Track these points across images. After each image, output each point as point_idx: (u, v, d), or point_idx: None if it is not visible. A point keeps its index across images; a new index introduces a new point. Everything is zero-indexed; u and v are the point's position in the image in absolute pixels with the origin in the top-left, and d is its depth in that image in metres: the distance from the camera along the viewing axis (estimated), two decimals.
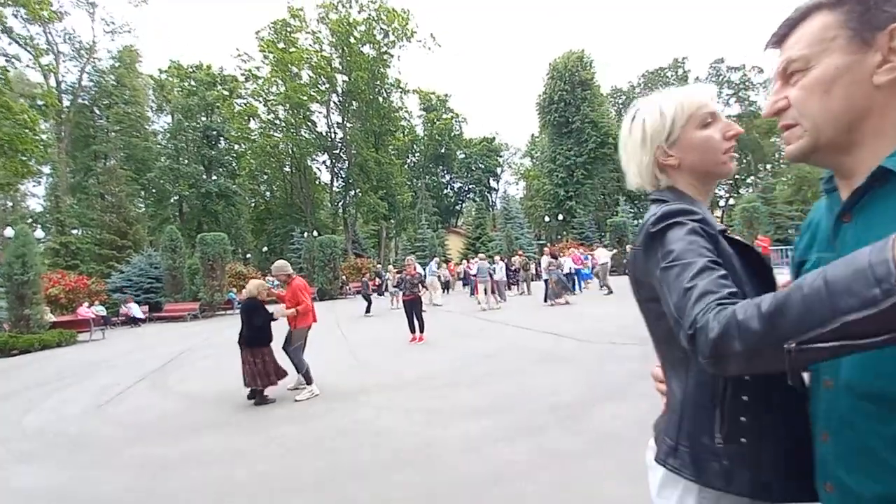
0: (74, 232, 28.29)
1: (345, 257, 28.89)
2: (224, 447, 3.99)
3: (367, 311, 14.39)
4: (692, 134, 0.92)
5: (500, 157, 53.60)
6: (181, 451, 3.98)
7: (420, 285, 9.08)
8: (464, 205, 55.59)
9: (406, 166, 42.72)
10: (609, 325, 8.49)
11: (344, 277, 25.44)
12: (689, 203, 0.88)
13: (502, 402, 4.55)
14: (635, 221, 31.72)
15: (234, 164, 36.55)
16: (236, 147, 35.55)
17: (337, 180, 37.46)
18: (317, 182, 39.38)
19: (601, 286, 15.18)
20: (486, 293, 13.73)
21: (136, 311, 18.07)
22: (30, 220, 32.61)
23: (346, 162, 35.12)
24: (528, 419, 4.01)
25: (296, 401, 5.16)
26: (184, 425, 4.70)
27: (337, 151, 35.82)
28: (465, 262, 23.39)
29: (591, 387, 4.77)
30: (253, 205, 39.18)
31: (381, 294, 19.52)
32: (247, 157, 36.09)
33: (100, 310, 16.42)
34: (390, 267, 17.20)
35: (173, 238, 20.65)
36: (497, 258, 15.01)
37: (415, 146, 45.45)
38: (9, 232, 15.72)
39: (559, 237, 34.38)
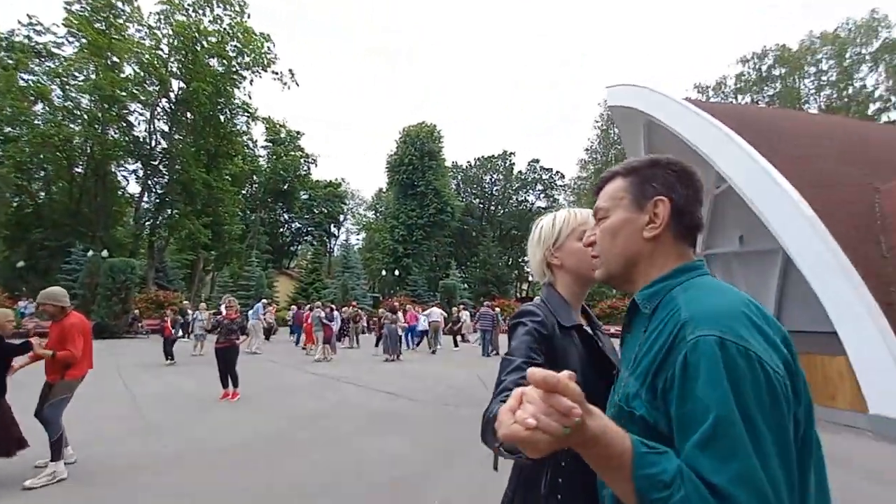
0: None
1: (142, 288, 24.02)
2: None
3: (170, 357, 11.72)
4: (572, 243, 1.20)
5: (345, 204, 53.25)
6: None
7: (240, 332, 7.88)
8: (300, 247, 52.69)
9: (241, 196, 38.83)
10: (441, 386, 8.67)
11: (137, 312, 20.89)
12: (555, 302, 1.17)
13: (336, 476, 4.06)
14: (464, 285, 34.54)
15: None
16: (7, 129, 27.40)
17: (149, 195, 31.75)
18: (119, 193, 32.68)
19: (430, 345, 15.72)
20: (316, 343, 12.86)
21: None
22: None
23: (167, 177, 30.26)
24: (366, 497, 3.64)
25: (25, 488, 3.61)
26: None
27: (156, 163, 30.67)
28: (294, 307, 21.64)
29: (429, 453, 4.66)
30: (15, 205, 30.00)
31: (185, 336, 16.49)
32: (19, 143, 28.06)
33: None
34: (202, 305, 14.71)
35: None
36: (333, 307, 14.33)
37: (255, 177, 41.97)
38: None
39: (393, 292, 34.95)
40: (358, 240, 53.21)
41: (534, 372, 0.55)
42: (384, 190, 48.33)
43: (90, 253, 23.10)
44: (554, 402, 0.54)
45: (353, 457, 4.59)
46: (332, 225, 52.38)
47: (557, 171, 52.90)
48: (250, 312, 15.13)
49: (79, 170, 30.60)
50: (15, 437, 3.84)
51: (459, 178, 51.47)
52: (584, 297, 1.24)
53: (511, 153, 52.74)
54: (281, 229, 48.48)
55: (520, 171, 53.15)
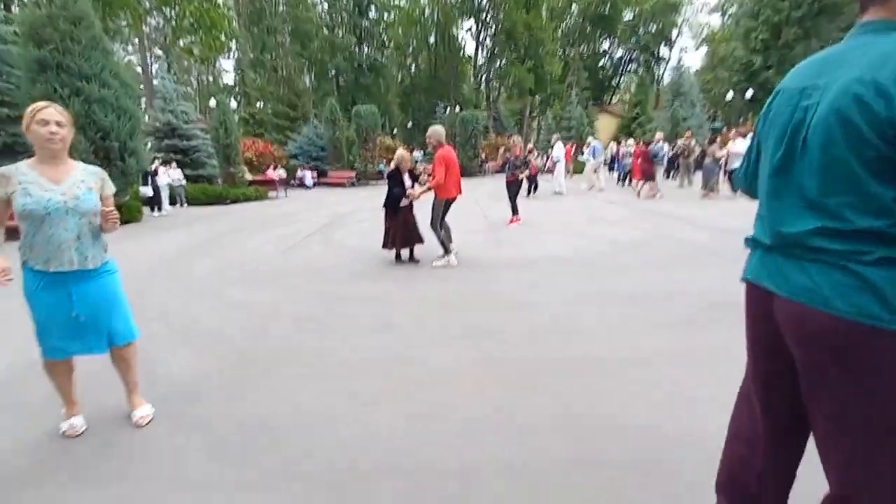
0: (258, 104, 32.47)
1: (485, 134, 28.33)
2: (380, 292, 4.51)
3: (531, 191, 13.17)
4: None
5: (678, 15, 43.68)
6: (347, 291, 4.62)
7: (523, 167, 8.85)
8: (622, 79, 48.44)
9: (559, 32, 37.75)
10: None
11: (484, 156, 25.25)
12: None
13: (650, 292, 4.17)
14: None
15: (383, 36, 36.57)
16: (385, 16, 35.07)
17: (482, 50, 35.26)
18: (461, 54, 37.68)
19: None
20: (637, 180, 12.45)
21: (308, 179, 20.84)
22: (224, 94, 38.10)
23: (493, 28, 32.39)
24: (678, 312, 3.63)
25: (434, 266, 5.48)
26: (347, 272, 5.41)
27: (484, 16, 33.05)
28: (613, 144, 21.06)
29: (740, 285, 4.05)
30: (399, 79, 39.59)
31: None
32: (394, 26, 35.59)
33: (281, 173, 19.32)
34: (516, 139, 15.82)
35: (333, 111, 22.36)
36: (660, 140, 13.13)
37: (573, 5, 39.30)
38: (212, 103, 18.70)
39: (743, 120, 28.25)
40: (695, 59, 43.98)
41: None
42: None
43: (448, 110, 28.61)
44: None
45: (667, 280, 4.53)
46: (663, 44, 44.75)
47: None
48: (591, 150, 15.16)
49: (431, 40, 36.65)
50: (418, 234, 5.73)
51: None
52: None
53: None
54: (601, 62, 45.32)
55: None
